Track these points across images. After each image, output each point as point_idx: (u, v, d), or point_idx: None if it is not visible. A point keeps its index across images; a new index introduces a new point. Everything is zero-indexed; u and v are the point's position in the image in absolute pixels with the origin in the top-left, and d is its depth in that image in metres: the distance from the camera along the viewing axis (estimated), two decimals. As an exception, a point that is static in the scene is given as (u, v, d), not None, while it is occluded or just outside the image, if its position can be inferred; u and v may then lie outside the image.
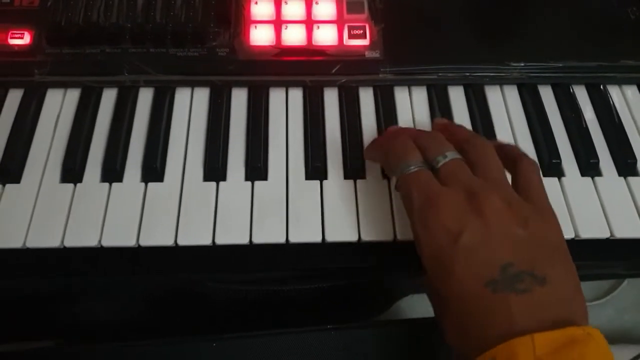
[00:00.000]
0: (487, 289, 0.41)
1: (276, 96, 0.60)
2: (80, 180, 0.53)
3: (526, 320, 0.40)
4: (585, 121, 0.59)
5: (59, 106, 0.58)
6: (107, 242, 0.50)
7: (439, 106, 0.59)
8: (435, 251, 0.44)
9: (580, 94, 0.61)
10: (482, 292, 0.41)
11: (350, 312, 0.70)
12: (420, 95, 0.60)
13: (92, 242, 0.50)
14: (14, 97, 0.58)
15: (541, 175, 0.48)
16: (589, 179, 0.56)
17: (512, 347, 0.38)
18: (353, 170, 0.55)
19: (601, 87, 0.62)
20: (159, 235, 0.50)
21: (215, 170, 0.54)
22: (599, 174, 0.56)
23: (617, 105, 0.60)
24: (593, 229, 0.53)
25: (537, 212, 0.45)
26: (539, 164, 0.51)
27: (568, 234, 0.52)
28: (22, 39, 0.60)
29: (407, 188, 0.47)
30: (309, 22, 0.62)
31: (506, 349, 0.38)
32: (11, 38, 0.60)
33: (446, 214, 0.44)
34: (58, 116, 0.58)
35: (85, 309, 0.64)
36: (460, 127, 0.53)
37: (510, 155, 0.49)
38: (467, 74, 0.60)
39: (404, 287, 0.71)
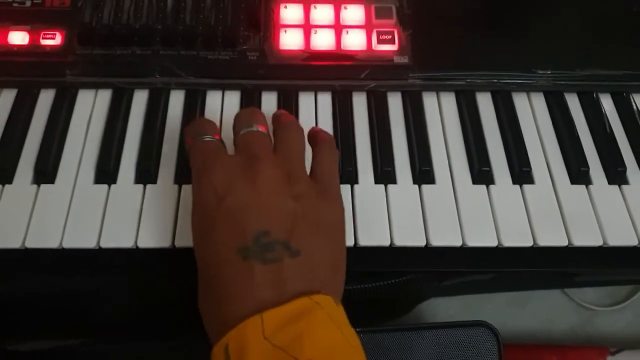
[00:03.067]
0: (238, 255, 0.40)
1: (305, 100, 0.60)
2: (115, 182, 0.54)
3: (266, 292, 0.39)
4: (611, 129, 0.59)
5: (91, 107, 0.59)
6: (142, 244, 0.51)
7: (468, 112, 0.59)
8: (200, 212, 0.44)
9: (606, 102, 0.62)
10: (232, 258, 0.40)
11: (372, 315, 0.70)
12: (449, 101, 0.61)
13: (128, 244, 0.50)
14: (46, 98, 0.59)
15: (336, 160, 0.50)
16: (616, 187, 0.56)
17: (243, 330, 0.37)
18: (383, 174, 0.55)
19: (627, 95, 0.62)
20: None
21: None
22: (626, 182, 0.57)
23: (643, 113, 0.61)
24: (621, 237, 0.53)
25: (318, 190, 0.46)
26: (336, 152, 0.52)
27: (596, 241, 0.53)
28: (53, 40, 0.60)
29: (192, 155, 0.48)
30: (338, 27, 0.62)
31: (238, 334, 0.37)
32: (43, 39, 0.60)
33: (218, 176, 0.44)
34: (90, 117, 0.58)
35: (114, 307, 0.65)
36: (287, 113, 0.54)
37: (313, 139, 0.51)
38: (495, 80, 0.61)
39: (427, 291, 0.71)
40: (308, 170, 0.49)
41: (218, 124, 0.58)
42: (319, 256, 0.42)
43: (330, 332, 0.38)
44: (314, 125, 0.59)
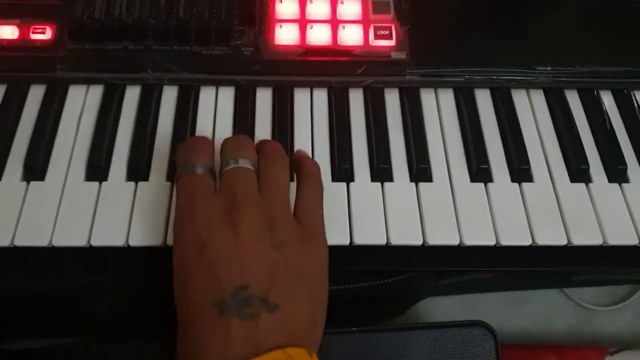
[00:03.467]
0: (215, 310, 0.39)
1: (301, 97, 0.59)
2: (106, 179, 0.53)
3: (241, 348, 0.38)
4: (612, 127, 0.59)
5: (82, 103, 0.57)
6: (134, 242, 0.50)
7: (467, 109, 0.58)
8: (181, 259, 0.43)
9: (607, 99, 0.61)
10: (208, 312, 0.39)
11: (367, 315, 0.69)
12: (447, 98, 0.60)
13: (119, 242, 0.49)
14: (36, 94, 0.58)
15: (321, 196, 0.48)
16: (616, 185, 0.55)
17: None
18: (380, 172, 0.54)
19: (628, 92, 0.61)
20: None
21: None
22: (627, 180, 0.56)
23: (643, 110, 0.60)
24: (621, 236, 0.52)
25: (301, 235, 0.44)
26: (321, 186, 0.50)
27: (596, 240, 0.52)
28: (43, 34, 0.59)
29: (178, 189, 0.46)
30: (335, 22, 0.61)
31: None
32: (33, 33, 0.59)
33: (200, 221, 0.43)
34: (81, 113, 0.57)
35: (107, 305, 0.64)
36: (272, 141, 0.52)
37: (298, 168, 0.49)
38: (494, 77, 0.60)
39: (423, 290, 0.70)
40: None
41: (212, 121, 0.57)
42: (296, 309, 0.41)
43: None
44: (309, 123, 0.58)
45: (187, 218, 0.44)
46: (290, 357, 0.38)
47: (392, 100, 0.59)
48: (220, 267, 0.41)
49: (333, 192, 0.53)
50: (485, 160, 0.55)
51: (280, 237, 0.43)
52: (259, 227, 0.43)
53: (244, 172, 0.46)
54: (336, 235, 0.51)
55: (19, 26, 0.59)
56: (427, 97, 0.60)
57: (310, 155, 0.55)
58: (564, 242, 0.52)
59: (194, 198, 0.45)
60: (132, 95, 0.58)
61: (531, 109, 0.60)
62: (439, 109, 0.59)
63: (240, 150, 0.47)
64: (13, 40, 0.58)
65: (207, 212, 0.43)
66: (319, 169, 0.51)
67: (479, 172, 0.55)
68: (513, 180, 0.55)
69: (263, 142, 0.50)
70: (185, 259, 0.42)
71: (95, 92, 0.58)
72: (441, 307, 0.73)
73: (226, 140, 0.49)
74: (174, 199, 0.51)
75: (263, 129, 0.57)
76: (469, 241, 0.51)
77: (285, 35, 0.60)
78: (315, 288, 0.43)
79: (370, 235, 0.51)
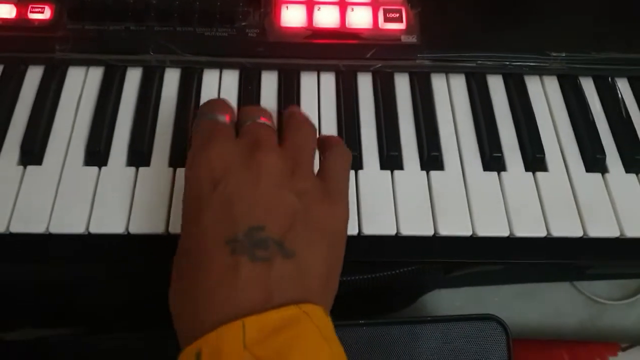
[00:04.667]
0: (226, 247, 0.36)
1: (308, 81, 0.57)
2: (106, 164, 0.51)
3: (251, 293, 0.35)
4: (628, 115, 0.57)
5: (81, 85, 0.56)
6: (134, 230, 0.48)
7: (479, 95, 0.57)
8: (193, 191, 0.40)
9: (623, 86, 0.59)
10: (218, 248, 0.36)
11: (374, 306, 0.68)
12: (459, 83, 0.58)
13: (119, 229, 0.47)
14: (34, 75, 0.56)
15: (348, 163, 0.46)
16: (633, 175, 0.54)
17: (221, 336, 0.33)
18: (389, 160, 0.53)
19: (645, 80, 0.59)
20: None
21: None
22: (644, 170, 0.54)
23: (661, 99, 0.58)
24: (639, 228, 0.51)
25: (324, 191, 0.42)
26: (349, 153, 0.47)
27: (612, 232, 0.50)
28: (42, 14, 0.57)
29: (194, 131, 0.44)
30: (343, 4, 0.59)
31: (215, 339, 0.33)
32: (31, 12, 0.57)
33: (217, 156, 0.40)
34: (80, 96, 0.55)
35: (105, 296, 0.62)
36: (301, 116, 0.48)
37: (323, 144, 0.47)
38: (507, 62, 0.58)
39: (431, 282, 0.69)
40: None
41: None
42: (313, 262, 0.38)
43: (318, 347, 0.35)
44: (316, 108, 0.56)
45: (203, 150, 0.41)
46: (307, 313, 0.35)
47: (402, 85, 0.58)
48: (237, 204, 0.38)
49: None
50: (499, 149, 0.53)
51: (302, 185, 0.40)
52: (281, 172, 0.40)
53: (265, 126, 0.44)
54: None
55: (16, 5, 0.57)
56: (438, 83, 0.58)
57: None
58: (579, 233, 0.50)
59: (213, 136, 0.42)
60: (133, 78, 0.56)
61: (545, 96, 0.58)
62: (450, 94, 0.57)
63: (260, 111, 0.45)
64: (10, 19, 0.57)
65: (226, 148, 0.41)
66: (343, 141, 0.49)
67: (492, 160, 0.53)
68: (527, 170, 0.53)
69: (292, 111, 0.48)
70: (197, 191, 0.39)
71: (95, 74, 0.56)
72: (450, 300, 0.71)
73: (243, 106, 0.47)
74: (176, 185, 0.50)
75: (268, 114, 0.55)
76: (482, 232, 0.49)
77: (292, 17, 0.58)
78: (333, 247, 0.41)
79: (379, 225, 0.49)
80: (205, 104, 0.47)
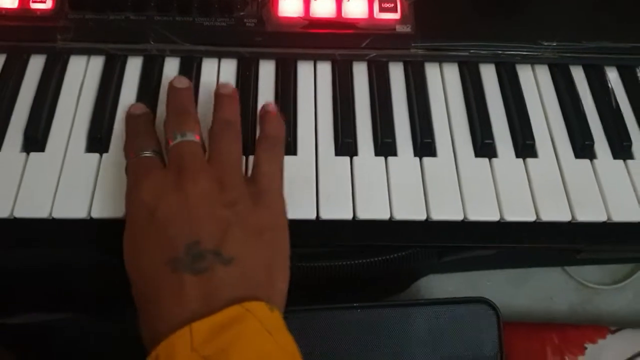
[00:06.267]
0: (167, 267, 0.39)
1: (304, 70, 0.59)
2: (107, 150, 0.52)
3: (197, 304, 0.38)
4: (617, 103, 0.58)
5: (83, 74, 0.57)
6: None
7: (471, 84, 0.58)
8: (132, 227, 0.43)
9: (613, 75, 0.60)
10: (161, 270, 0.39)
11: (368, 291, 0.69)
12: (452, 72, 0.59)
13: (120, 214, 0.49)
14: (36, 64, 0.57)
15: (278, 158, 0.48)
16: (621, 161, 0.55)
17: (172, 342, 0.36)
18: (383, 146, 0.54)
19: (634, 69, 0.61)
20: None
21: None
22: (631, 156, 0.56)
23: (650, 87, 0.59)
24: (626, 212, 0.52)
25: (255, 193, 0.44)
26: (279, 147, 0.50)
27: (600, 217, 0.52)
28: (44, 3, 0.58)
29: (127, 172, 0.47)
30: (339, -6, 0.60)
31: (167, 345, 0.36)
32: (33, 2, 0.58)
33: (148, 190, 0.43)
34: (82, 84, 0.56)
35: (106, 282, 0.63)
36: (230, 103, 0.51)
37: (260, 132, 0.50)
38: (499, 52, 0.59)
39: (424, 267, 0.70)
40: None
41: (213, 93, 0.56)
42: (253, 262, 0.41)
43: (262, 339, 0.37)
44: (312, 96, 0.57)
45: (134, 189, 0.44)
46: (249, 310, 0.38)
47: (396, 74, 0.59)
48: (171, 227, 0.41)
49: (336, 166, 0.53)
50: (490, 135, 0.55)
51: (231, 196, 0.43)
52: (209, 188, 0.43)
53: (189, 145, 0.46)
54: (339, 210, 0.50)
55: (18, -5, 0.58)
56: (432, 72, 0.59)
57: (314, 130, 0.55)
58: (568, 218, 0.51)
59: (142, 172, 0.45)
60: (133, 67, 0.57)
61: (536, 84, 0.59)
62: (443, 83, 0.58)
63: (184, 122, 0.47)
64: (13, 9, 0.57)
65: (154, 181, 0.44)
66: (281, 128, 0.51)
67: (484, 147, 0.54)
68: (518, 156, 0.54)
69: (216, 111, 0.50)
70: (136, 227, 0.43)
71: (96, 63, 0.57)
72: (443, 285, 0.72)
73: (167, 115, 0.49)
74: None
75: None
76: (473, 216, 0.51)
77: (289, 7, 0.59)
78: (272, 242, 0.43)
79: (373, 210, 0.51)
80: (132, 138, 0.50)
